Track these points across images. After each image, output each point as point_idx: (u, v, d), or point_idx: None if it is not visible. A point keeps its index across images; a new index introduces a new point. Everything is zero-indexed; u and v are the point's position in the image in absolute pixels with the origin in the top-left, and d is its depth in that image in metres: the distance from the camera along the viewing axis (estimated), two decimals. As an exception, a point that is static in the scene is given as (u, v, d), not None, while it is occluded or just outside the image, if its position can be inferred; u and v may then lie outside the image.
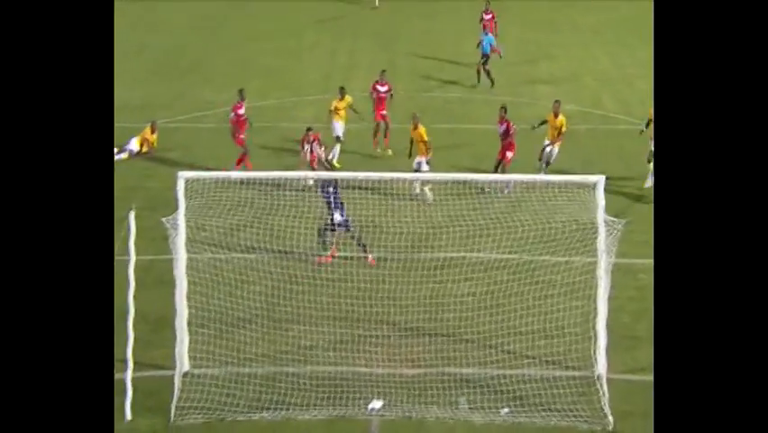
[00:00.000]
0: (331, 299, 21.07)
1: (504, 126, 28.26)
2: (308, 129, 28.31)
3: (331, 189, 23.60)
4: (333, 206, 23.56)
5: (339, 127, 30.63)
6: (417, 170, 27.58)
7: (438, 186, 25.86)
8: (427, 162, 27.54)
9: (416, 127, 27.80)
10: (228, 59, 42.65)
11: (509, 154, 28.18)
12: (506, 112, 28.43)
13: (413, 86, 38.48)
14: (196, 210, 20.47)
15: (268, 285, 21.66)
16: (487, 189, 25.95)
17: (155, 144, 31.78)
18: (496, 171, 28.09)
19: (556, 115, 28.52)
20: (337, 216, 23.55)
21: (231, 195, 22.87)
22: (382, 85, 31.04)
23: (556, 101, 29.07)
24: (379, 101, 30.82)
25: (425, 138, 27.63)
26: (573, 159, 27.91)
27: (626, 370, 19.59)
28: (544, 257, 22.22)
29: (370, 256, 23.37)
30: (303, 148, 28.18)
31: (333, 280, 21.68)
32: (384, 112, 30.75)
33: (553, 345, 19.91)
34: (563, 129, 28.37)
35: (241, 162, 29.29)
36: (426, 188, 26.36)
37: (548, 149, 28.46)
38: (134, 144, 31.43)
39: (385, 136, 30.66)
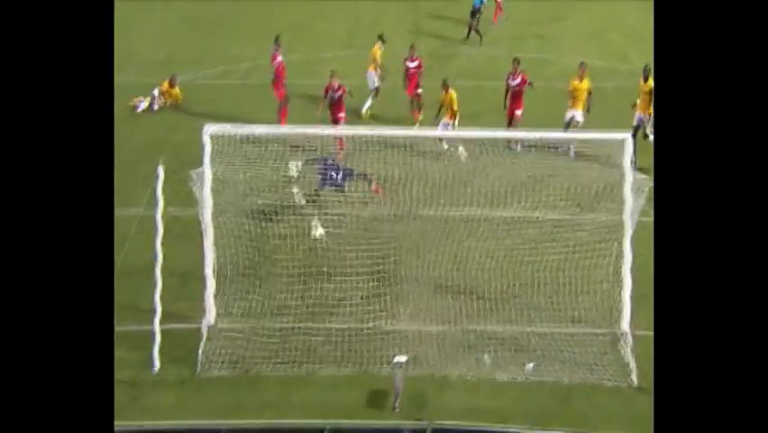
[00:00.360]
0: (357, 255, 21.08)
1: (518, 80, 27.73)
2: (332, 72, 28.09)
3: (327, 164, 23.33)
4: (330, 172, 23.29)
5: (375, 78, 30.56)
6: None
7: (465, 143, 25.68)
8: (452, 127, 27.32)
9: (446, 92, 27.60)
10: (253, 15, 42.49)
11: (518, 112, 27.69)
12: (519, 64, 27.95)
13: (437, 44, 38.28)
14: (221, 164, 20.53)
15: (293, 240, 21.70)
16: (512, 147, 25.77)
17: (179, 97, 31.75)
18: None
19: (581, 79, 28.00)
20: (337, 178, 23.23)
21: (256, 149, 22.88)
22: (412, 60, 30.53)
23: (581, 63, 28.44)
24: (410, 77, 30.34)
25: (455, 105, 27.43)
26: (601, 116, 27.60)
27: (651, 327, 19.52)
28: (569, 215, 22.08)
29: (374, 184, 23.07)
30: (326, 96, 27.97)
31: (359, 237, 21.66)
32: (418, 90, 30.01)
33: (579, 301, 19.90)
34: (588, 93, 27.72)
35: (284, 113, 29.06)
36: (461, 147, 26.21)
37: (575, 118, 27.50)
38: (156, 95, 31.41)
39: (418, 111, 30.07)
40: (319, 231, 20.49)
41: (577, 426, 16.36)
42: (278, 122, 28.37)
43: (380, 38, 31.12)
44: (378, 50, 30.84)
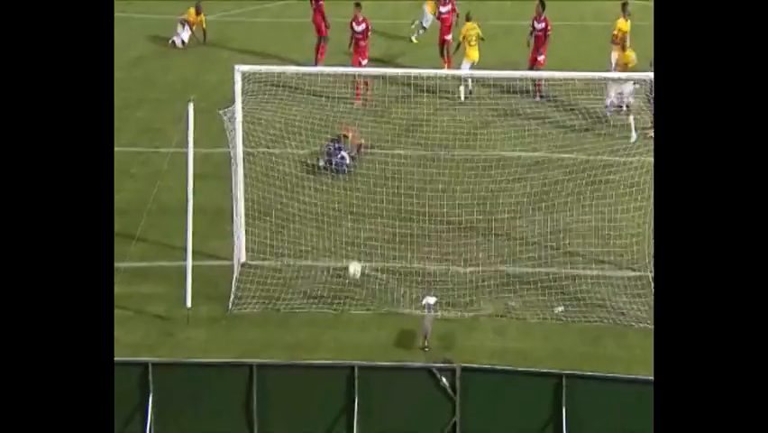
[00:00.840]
0: (386, 196, 21.07)
1: (542, 24, 27.09)
2: (357, 4, 27.50)
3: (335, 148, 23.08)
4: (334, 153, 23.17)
5: (428, 15, 30.54)
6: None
7: (493, 83, 25.48)
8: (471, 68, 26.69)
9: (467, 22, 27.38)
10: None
11: (541, 58, 27.02)
12: (544, 8, 27.29)
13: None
14: (252, 104, 20.52)
15: (323, 180, 21.76)
16: (534, 98, 25.62)
17: (205, 26, 31.56)
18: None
19: (626, 19, 27.27)
20: (336, 160, 23.09)
21: (287, 89, 22.79)
22: (444, 5, 30.11)
23: (624, 3, 27.78)
24: (442, 21, 29.93)
25: (478, 34, 27.15)
26: (640, 58, 26.93)
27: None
28: (601, 156, 21.96)
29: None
30: (352, 28, 27.53)
31: (388, 178, 21.67)
32: (447, 37, 29.55)
33: (609, 245, 19.86)
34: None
35: (322, 51, 28.71)
36: (461, 87, 25.88)
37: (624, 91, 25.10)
38: (184, 30, 31.34)
39: (448, 58, 29.53)
40: (354, 268, 20.27)
41: (607, 368, 16.35)
42: (315, 59, 28.31)
43: None
44: None
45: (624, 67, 25.81)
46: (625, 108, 24.76)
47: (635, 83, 23.87)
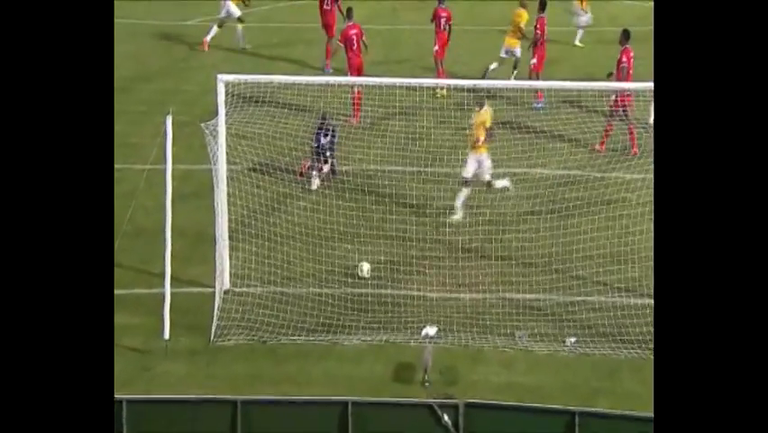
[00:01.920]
0: (381, 216, 21.07)
1: (535, 25, 27.60)
2: (348, 9, 28.00)
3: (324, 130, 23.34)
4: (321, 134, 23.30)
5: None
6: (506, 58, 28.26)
7: (501, 92, 25.60)
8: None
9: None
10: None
11: (533, 62, 27.45)
12: (542, 8, 27.68)
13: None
14: (237, 116, 20.54)
15: (313, 199, 21.74)
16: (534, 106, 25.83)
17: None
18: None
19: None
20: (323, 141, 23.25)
21: (274, 100, 22.84)
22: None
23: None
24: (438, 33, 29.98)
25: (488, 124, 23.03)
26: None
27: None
28: (616, 173, 21.97)
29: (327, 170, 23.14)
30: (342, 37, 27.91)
31: (384, 195, 21.64)
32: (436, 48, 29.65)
33: (626, 270, 19.76)
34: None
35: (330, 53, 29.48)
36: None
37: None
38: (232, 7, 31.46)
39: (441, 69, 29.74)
40: (365, 268, 20.40)
41: (623, 405, 16.26)
42: (325, 61, 29.42)
43: None
44: None
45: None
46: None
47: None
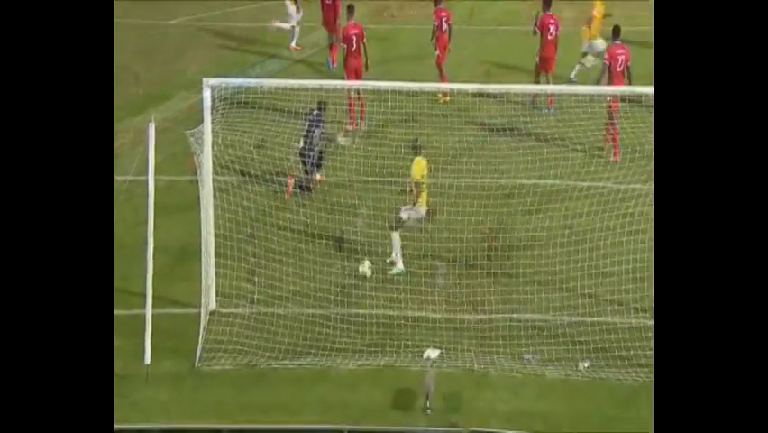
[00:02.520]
0: (378, 231, 20.99)
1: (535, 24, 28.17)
2: (349, 6, 28.07)
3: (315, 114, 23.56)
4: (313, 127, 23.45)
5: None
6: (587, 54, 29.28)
7: (506, 102, 25.71)
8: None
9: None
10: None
11: (536, 60, 28.02)
12: (546, 6, 28.11)
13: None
14: (223, 123, 20.48)
15: (306, 213, 21.64)
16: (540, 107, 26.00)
17: None
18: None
19: None
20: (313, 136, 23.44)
21: (264, 105, 22.90)
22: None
23: None
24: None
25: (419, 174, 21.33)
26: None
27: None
28: (633, 185, 21.88)
29: (318, 175, 23.48)
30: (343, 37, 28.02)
31: (381, 210, 21.56)
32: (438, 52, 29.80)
33: (644, 288, 19.62)
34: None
35: (335, 51, 29.97)
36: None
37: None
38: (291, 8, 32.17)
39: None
40: (366, 266, 20.28)
41: (643, 435, 16.21)
42: (330, 60, 30.25)
43: None
44: None
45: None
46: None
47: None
